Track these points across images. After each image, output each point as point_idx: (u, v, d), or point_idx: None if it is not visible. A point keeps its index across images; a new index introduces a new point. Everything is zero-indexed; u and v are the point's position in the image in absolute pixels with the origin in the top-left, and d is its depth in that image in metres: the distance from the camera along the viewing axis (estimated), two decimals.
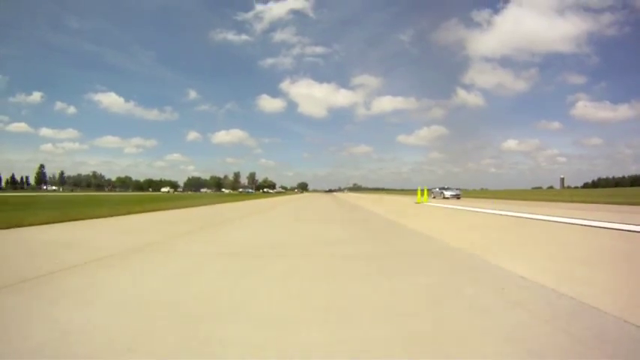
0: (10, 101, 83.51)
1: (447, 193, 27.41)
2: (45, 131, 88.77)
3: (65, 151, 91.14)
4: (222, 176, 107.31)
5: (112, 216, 7.51)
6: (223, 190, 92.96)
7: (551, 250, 3.61)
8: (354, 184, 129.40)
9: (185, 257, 3.23)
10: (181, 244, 4.05)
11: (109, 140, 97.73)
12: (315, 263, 2.99)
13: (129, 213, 8.34)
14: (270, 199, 26.79)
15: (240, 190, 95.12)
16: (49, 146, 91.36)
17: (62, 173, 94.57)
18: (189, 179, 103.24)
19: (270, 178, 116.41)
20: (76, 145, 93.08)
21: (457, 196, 26.82)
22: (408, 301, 1.95)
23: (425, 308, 1.84)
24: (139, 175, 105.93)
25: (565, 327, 1.54)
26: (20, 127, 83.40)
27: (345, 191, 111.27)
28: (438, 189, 29.45)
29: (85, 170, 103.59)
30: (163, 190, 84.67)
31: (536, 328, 1.55)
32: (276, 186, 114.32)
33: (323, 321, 1.65)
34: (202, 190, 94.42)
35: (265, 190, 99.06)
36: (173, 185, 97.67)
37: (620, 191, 42.67)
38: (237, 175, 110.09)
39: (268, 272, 2.64)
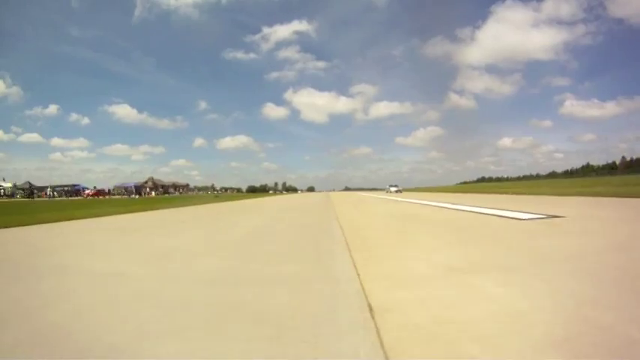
0: (27, 114, 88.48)
1: (392, 189, 40.41)
2: (56, 141, 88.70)
3: (73, 159, 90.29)
4: (225, 178, 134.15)
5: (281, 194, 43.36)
6: (283, 192, 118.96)
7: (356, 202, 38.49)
8: (346, 187, 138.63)
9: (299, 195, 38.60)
10: (303, 195, 39.50)
11: (118, 148, 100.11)
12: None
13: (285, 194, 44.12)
14: (306, 193, 62.51)
15: (286, 191, 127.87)
16: (57, 155, 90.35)
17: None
18: (249, 187, 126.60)
19: (271, 180, 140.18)
20: (84, 154, 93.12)
21: (399, 191, 39.34)
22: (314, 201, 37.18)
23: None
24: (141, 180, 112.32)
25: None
26: (32, 137, 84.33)
27: (333, 191, 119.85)
28: (388, 186, 43.58)
29: (91, 176, 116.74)
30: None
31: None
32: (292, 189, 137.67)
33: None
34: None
35: (300, 191, 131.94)
36: (239, 191, 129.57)
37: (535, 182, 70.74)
38: (276, 184, 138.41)
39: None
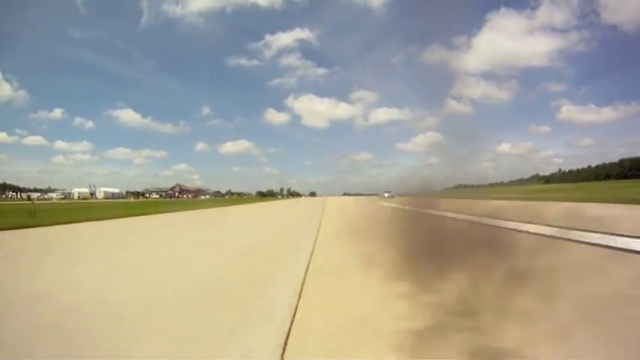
0: (32, 117, 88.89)
1: (385, 194, 42.89)
2: (60, 144, 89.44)
3: (76, 162, 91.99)
4: (226, 182, 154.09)
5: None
6: (289, 197, 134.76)
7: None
8: (344, 192, 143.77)
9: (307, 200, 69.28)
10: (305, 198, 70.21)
11: (120, 152, 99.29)
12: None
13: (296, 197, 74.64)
14: (309, 197, 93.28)
15: (291, 196, 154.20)
16: (60, 158, 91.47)
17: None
18: (257, 192, 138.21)
19: (273, 185, 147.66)
20: (87, 157, 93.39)
21: (391, 196, 40.73)
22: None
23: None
24: (144, 184, 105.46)
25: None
26: (36, 140, 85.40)
27: (333, 195, 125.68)
28: (383, 192, 45.38)
29: (93, 179, 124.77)
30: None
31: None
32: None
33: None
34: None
35: (304, 196, 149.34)
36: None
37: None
38: (282, 189, 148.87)
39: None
